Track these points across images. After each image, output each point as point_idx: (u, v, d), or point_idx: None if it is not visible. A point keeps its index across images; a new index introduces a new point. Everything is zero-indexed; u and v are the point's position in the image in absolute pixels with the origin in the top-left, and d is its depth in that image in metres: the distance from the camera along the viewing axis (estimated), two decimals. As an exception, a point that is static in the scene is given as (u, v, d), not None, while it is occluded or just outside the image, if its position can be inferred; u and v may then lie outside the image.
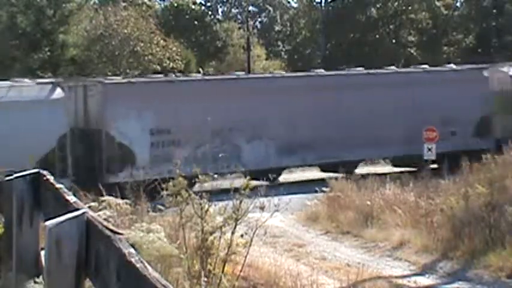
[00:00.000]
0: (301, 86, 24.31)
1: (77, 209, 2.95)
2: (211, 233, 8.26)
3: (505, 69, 28.41)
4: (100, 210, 8.81)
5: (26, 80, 22.71)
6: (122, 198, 10.97)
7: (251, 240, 8.39)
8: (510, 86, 27.48)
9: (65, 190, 3.76)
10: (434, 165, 20.95)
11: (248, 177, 8.82)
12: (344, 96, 24.48)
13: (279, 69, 46.71)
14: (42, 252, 3.53)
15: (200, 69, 40.27)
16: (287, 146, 23.23)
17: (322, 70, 28.29)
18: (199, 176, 8.91)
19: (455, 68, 29.22)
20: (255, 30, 58.96)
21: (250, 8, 61.80)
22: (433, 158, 20.63)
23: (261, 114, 22.96)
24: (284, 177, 23.53)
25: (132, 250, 2.33)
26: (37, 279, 4.23)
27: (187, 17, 49.56)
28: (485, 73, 27.51)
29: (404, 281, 11.37)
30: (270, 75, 28.61)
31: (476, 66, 29.16)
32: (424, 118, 23.77)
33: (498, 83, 27.61)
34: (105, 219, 3.61)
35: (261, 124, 23.08)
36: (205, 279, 7.66)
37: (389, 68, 29.08)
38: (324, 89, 24.23)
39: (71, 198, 3.43)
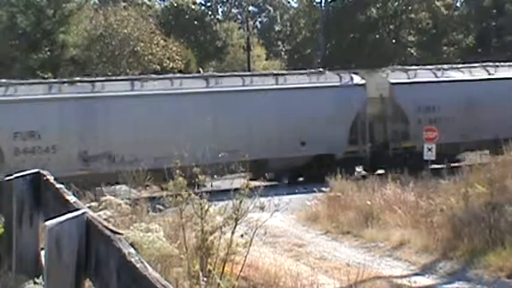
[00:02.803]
0: None
1: (77, 209, 2.95)
2: (211, 233, 8.25)
3: None
4: (100, 210, 8.80)
5: None
6: None
7: (251, 240, 8.37)
8: None
9: (65, 190, 3.76)
10: None
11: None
12: None
13: (280, 69, 46.74)
14: (42, 252, 3.53)
15: (200, 69, 40.30)
16: None
17: None
18: None
19: None
20: (255, 30, 58.99)
21: (250, 8, 61.86)
22: (433, 158, 20.38)
23: None
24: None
25: (132, 250, 2.33)
26: (36, 280, 4.22)
27: (187, 17, 49.57)
28: None
29: (404, 281, 11.33)
30: None
31: None
32: None
33: None
34: (105, 219, 3.60)
35: None
36: (205, 279, 7.65)
37: None
38: None
39: (71, 198, 3.43)
